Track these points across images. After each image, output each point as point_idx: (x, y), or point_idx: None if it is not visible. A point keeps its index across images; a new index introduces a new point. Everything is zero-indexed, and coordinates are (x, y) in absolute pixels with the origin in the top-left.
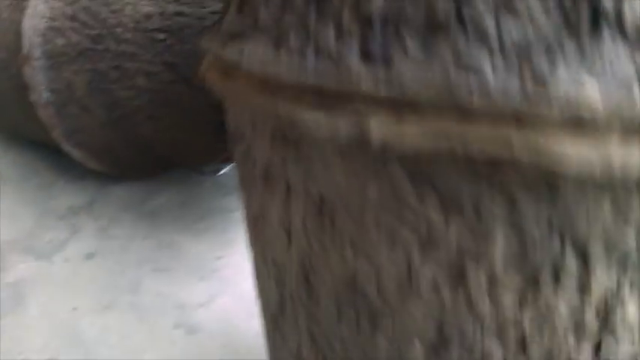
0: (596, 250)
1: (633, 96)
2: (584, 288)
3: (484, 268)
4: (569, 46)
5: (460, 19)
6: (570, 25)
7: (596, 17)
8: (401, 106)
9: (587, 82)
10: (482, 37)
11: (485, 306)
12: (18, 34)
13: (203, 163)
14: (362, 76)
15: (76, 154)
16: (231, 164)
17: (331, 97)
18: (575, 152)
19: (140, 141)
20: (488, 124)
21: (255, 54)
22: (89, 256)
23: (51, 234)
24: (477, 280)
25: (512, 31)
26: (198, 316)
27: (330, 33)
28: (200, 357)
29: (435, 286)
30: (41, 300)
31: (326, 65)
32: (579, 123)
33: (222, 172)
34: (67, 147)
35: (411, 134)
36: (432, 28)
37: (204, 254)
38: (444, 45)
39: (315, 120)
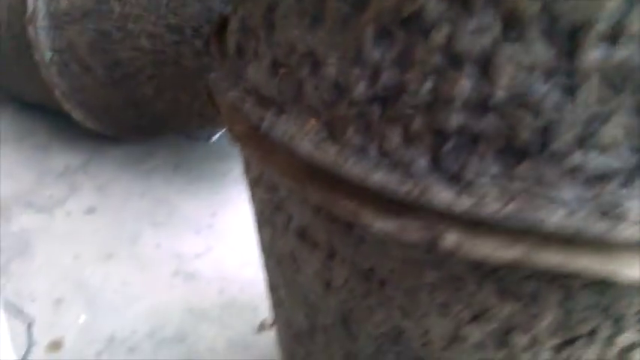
0: (631, 320)
1: None
2: (611, 341)
3: (529, 335)
4: None
5: (544, 147)
6: None
7: None
8: (477, 223)
9: None
10: (565, 165)
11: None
12: None
13: (199, 126)
14: (434, 190)
15: (76, 113)
16: (224, 130)
17: (398, 204)
18: None
19: (140, 101)
20: (562, 247)
21: (302, 137)
22: (89, 211)
23: (50, 190)
24: (521, 341)
25: (596, 162)
26: (195, 264)
27: (397, 137)
28: (199, 300)
29: (481, 345)
30: (45, 249)
31: (392, 170)
32: None
33: (214, 137)
34: (67, 106)
35: (484, 248)
36: (514, 152)
37: (200, 211)
38: (525, 168)
39: (379, 224)
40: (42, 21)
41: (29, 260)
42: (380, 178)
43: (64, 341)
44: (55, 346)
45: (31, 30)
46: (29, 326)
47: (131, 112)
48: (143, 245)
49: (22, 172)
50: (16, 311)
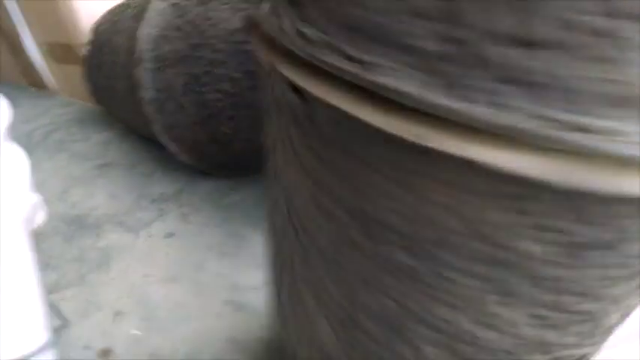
0: None
1: None
2: None
3: None
4: None
5: None
6: None
7: None
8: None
9: None
10: None
11: None
12: (135, 40)
13: None
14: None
15: (171, 147)
16: None
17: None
18: None
19: (222, 139)
20: None
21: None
22: (168, 235)
23: (142, 214)
24: None
25: None
26: (248, 296)
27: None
28: (242, 331)
29: None
30: (121, 265)
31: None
32: None
33: None
34: (164, 140)
35: None
36: None
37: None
38: None
39: None
40: (147, 63)
41: (105, 273)
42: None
43: (114, 350)
44: (105, 353)
45: (137, 71)
46: (60, 328)
47: (214, 149)
48: (205, 272)
49: (124, 195)
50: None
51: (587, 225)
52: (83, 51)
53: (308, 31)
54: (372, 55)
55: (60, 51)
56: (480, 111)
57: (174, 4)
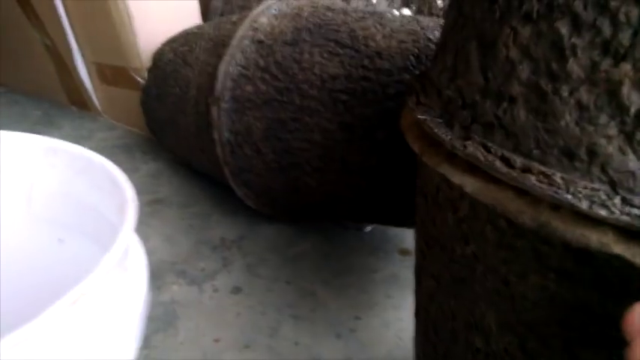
0: None
1: None
2: None
3: None
4: None
5: None
6: None
7: None
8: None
9: None
10: None
11: None
12: (213, 77)
13: (350, 220)
14: None
15: (239, 190)
16: (374, 223)
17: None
18: None
19: (302, 189)
20: None
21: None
22: (235, 290)
23: (204, 263)
24: None
25: None
26: None
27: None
28: None
29: None
30: (189, 325)
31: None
32: None
33: (368, 228)
34: (233, 184)
35: None
36: None
37: (343, 311)
38: None
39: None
40: (226, 103)
41: (173, 335)
42: None
43: None
44: None
45: (214, 110)
46: None
47: (290, 198)
48: (282, 339)
49: (181, 239)
50: None
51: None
52: (139, 77)
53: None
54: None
55: (110, 73)
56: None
57: (259, 42)
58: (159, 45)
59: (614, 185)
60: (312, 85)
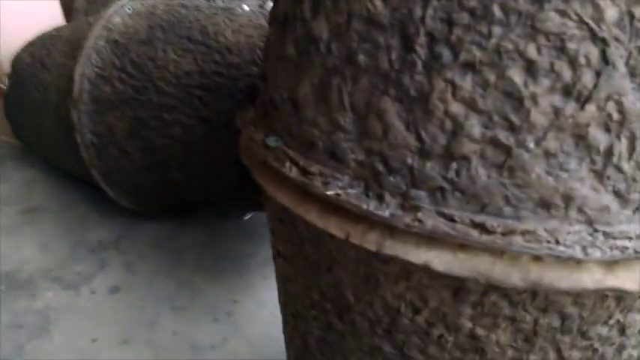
0: None
1: None
2: None
3: None
4: None
5: None
6: None
7: None
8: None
9: None
10: None
11: None
12: (70, 79)
13: (227, 209)
14: None
15: (112, 192)
16: (255, 210)
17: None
18: None
19: (171, 184)
20: None
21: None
22: (113, 290)
23: (80, 266)
24: None
25: None
26: (209, 357)
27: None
28: None
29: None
30: (65, 329)
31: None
32: None
33: (246, 217)
34: (103, 185)
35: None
36: None
37: (221, 296)
38: None
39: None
40: (85, 105)
41: (48, 341)
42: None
43: None
44: None
45: (74, 113)
46: None
47: (163, 194)
48: (160, 331)
49: (57, 245)
50: None
51: (526, 312)
52: (2, 84)
53: (271, 142)
54: (318, 166)
55: None
56: (391, 211)
57: (114, 41)
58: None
59: (591, 223)
60: (168, 82)
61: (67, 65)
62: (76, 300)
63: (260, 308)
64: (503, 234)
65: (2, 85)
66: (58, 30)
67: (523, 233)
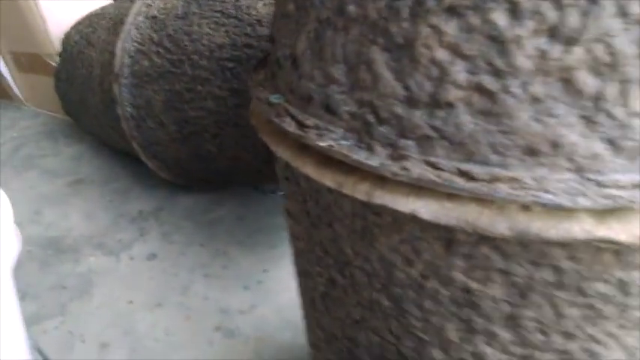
0: None
1: None
2: None
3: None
4: None
5: None
6: None
7: None
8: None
9: None
10: None
11: None
12: (112, 54)
13: (261, 182)
14: None
15: (150, 164)
16: None
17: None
18: None
19: (205, 156)
20: None
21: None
22: (150, 257)
23: (122, 234)
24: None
25: None
26: (238, 321)
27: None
28: (232, 359)
29: None
30: (104, 291)
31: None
32: None
33: (280, 192)
34: (143, 157)
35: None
36: None
37: (252, 266)
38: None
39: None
40: (126, 79)
41: (88, 302)
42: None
43: None
44: None
45: (115, 87)
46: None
47: (198, 166)
48: (192, 296)
49: (101, 215)
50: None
51: (519, 265)
52: (53, 62)
53: (274, 99)
54: (314, 119)
55: (26, 61)
56: (380, 160)
57: (153, 17)
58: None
59: (581, 171)
60: (202, 55)
61: (109, 41)
62: (116, 265)
63: (289, 278)
64: (489, 181)
65: (54, 63)
66: (103, 9)
67: (509, 180)
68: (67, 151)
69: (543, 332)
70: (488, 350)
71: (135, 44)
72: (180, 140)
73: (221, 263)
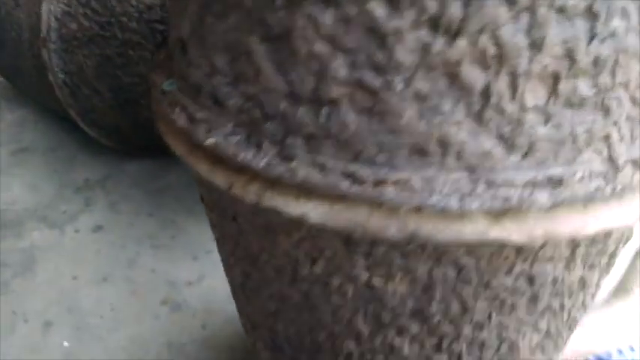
0: None
1: None
2: None
3: None
4: None
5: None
6: None
7: None
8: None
9: None
10: None
11: None
12: (38, 17)
13: None
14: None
15: (91, 131)
16: None
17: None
18: None
19: (143, 123)
20: None
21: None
22: (97, 229)
23: (66, 205)
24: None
25: None
26: (185, 294)
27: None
28: (180, 333)
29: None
30: (48, 267)
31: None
32: None
33: None
34: (82, 125)
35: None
36: None
37: (202, 235)
38: None
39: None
40: (54, 43)
41: (31, 278)
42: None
43: None
44: None
45: (44, 52)
46: None
47: (137, 133)
48: (139, 269)
49: (44, 184)
50: None
51: (419, 263)
52: None
53: (166, 86)
54: (203, 112)
55: None
56: (267, 160)
57: None
58: None
59: (472, 170)
60: (131, 17)
61: (35, 2)
62: (60, 239)
63: None
64: (375, 184)
65: None
66: None
67: (396, 183)
68: (10, 116)
69: (452, 323)
70: (398, 341)
71: (61, 5)
72: (117, 107)
73: (170, 233)
